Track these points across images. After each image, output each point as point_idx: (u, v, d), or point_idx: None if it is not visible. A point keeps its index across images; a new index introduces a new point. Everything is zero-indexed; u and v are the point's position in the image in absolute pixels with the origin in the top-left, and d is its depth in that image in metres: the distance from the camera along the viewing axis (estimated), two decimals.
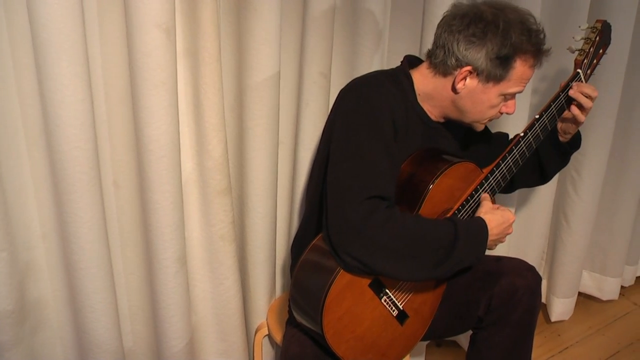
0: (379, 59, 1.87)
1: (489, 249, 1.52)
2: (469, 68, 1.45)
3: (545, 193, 2.27)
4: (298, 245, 1.68)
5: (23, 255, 1.52)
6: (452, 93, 1.50)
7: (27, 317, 1.56)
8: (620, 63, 2.13)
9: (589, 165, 2.27)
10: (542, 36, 1.47)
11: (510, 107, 1.54)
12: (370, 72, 1.59)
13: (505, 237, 1.56)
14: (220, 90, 1.58)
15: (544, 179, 1.81)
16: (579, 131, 1.73)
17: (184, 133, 1.62)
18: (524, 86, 1.51)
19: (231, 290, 1.79)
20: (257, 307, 1.91)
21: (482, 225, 1.48)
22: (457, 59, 1.46)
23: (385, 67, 1.88)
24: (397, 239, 1.37)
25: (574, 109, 1.63)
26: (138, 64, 1.41)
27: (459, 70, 1.46)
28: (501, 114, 1.55)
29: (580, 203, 2.33)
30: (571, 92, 1.63)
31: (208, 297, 1.81)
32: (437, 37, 1.50)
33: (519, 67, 1.45)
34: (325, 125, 1.58)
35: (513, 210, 2.26)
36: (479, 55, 1.43)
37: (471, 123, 1.57)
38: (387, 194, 1.39)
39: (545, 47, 1.48)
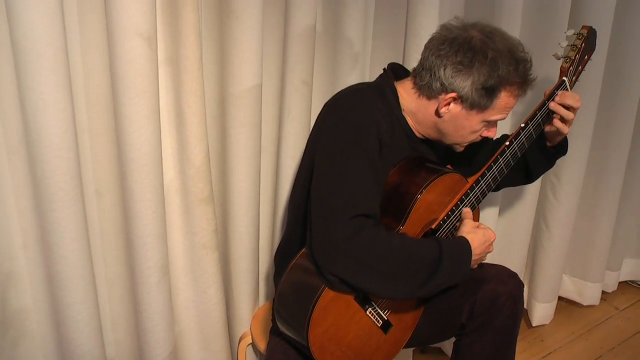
0: (362, 67, 1.88)
1: (471, 268, 1.53)
2: (454, 95, 1.45)
3: (527, 200, 2.29)
4: (282, 255, 1.68)
5: (4, 266, 1.51)
6: (435, 117, 1.51)
7: (8, 329, 1.55)
8: (598, 69, 2.15)
9: (568, 171, 2.29)
10: (529, 66, 1.47)
11: (492, 132, 1.55)
12: (356, 85, 1.59)
13: (486, 256, 1.57)
14: (202, 98, 1.58)
15: (529, 179, 1.82)
16: (566, 137, 1.74)
17: (166, 142, 1.61)
18: (507, 114, 1.52)
19: (214, 299, 1.78)
20: (241, 315, 1.90)
21: (465, 245, 1.49)
22: (442, 85, 1.45)
23: (368, 75, 1.90)
24: (382, 260, 1.37)
25: (557, 122, 1.63)
26: (120, 72, 1.41)
27: (443, 95, 1.46)
28: (482, 137, 1.56)
29: (560, 208, 2.35)
30: (551, 106, 1.62)
31: (191, 306, 1.80)
32: (425, 59, 1.49)
33: (504, 98, 1.46)
34: (309, 137, 1.58)
35: (497, 212, 2.27)
36: (465, 84, 1.43)
37: (451, 144, 1.58)
38: (372, 212, 1.39)
39: (532, 77, 1.48)
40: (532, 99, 2.13)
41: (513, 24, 1.95)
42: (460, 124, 1.50)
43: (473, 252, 1.49)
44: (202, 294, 1.77)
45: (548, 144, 1.73)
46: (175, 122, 1.60)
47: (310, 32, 1.74)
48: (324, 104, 1.54)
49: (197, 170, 1.63)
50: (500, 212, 2.31)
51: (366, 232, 1.35)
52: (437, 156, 1.68)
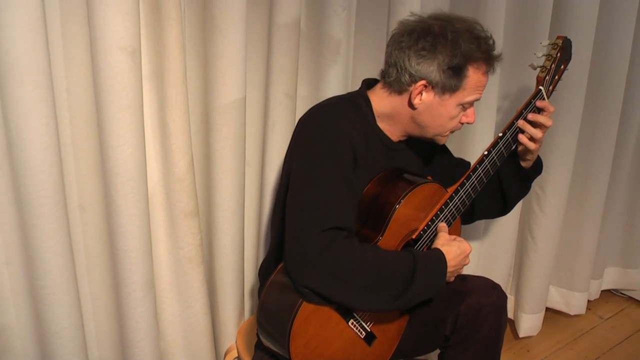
0: (344, 79, 1.89)
1: (447, 280, 1.53)
2: (423, 82, 1.46)
3: (511, 212, 2.30)
4: (266, 270, 1.67)
5: None
6: (410, 109, 1.51)
7: None
8: (581, 80, 2.17)
9: (553, 182, 2.30)
10: (491, 42, 1.48)
11: (470, 117, 1.54)
12: (329, 99, 1.60)
13: (462, 267, 1.57)
14: (186, 112, 1.58)
15: (505, 207, 1.80)
16: (539, 157, 1.74)
17: (150, 156, 1.61)
18: (481, 93, 1.52)
19: (200, 313, 1.78)
20: (226, 329, 1.90)
21: (440, 257, 1.49)
22: (410, 75, 1.46)
23: (350, 88, 1.90)
24: (355, 272, 1.37)
25: (522, 138, 1.63)
26: (103, 86, 1.41)
27: (413, 85, 1.47)
28: (462, 124, 1.56)
29: (545, 219, 2.36)
30: (520, 124, 1.63)
31: (176, 321, 1.79)
32: (388, 55, 1.51)
33: (473, 75, 1.46)
34: (286, 153, 1.58)
35: (481, 224, 2.28)
36: (431, 68, 1.44)
37: (433, 137, 1.57)
38: (345, 225, 1.39)
39: (496, 52, 1.49)
40: (510, 109, 2.15)
41: (495, 34, 1.96)
42: (437, 112, 1.50)
43: (448, 264, 1.49)
44: (187, 308, 1.77)
45: (522, 164, 1.72)
46: (160, 136, 1.60)
47: (293, 46, 1.75)
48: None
49: (181, 184, 1.63)
50: (485, 224, 2.32)
51: (338, 244, 1.35)
52: (417, 164, 1.69)
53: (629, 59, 2.29)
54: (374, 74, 1.63)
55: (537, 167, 1.76)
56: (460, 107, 1.51)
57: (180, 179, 1.62)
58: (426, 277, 1.43)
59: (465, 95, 1.48)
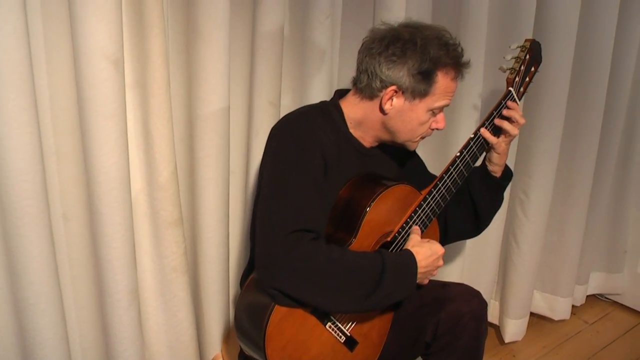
0: (329, 87, 1.90)
1: (421, 282, 1.54)
2: (393, 87, 1.49)
3: (495, 217, 2.30)
4: (246, 278, 1.68)
5: None
6: (381, 115, 1.54)
7: None
8: (563, 84, 2.19)
9: (536, 187, 2.32)
10: (459, 49, 1.51)
11: (440, 122, 1.57)
12: (301, 107, 1.61)
13: (435, 269, 1.57)
14: (170, 121, 1.58)
15: (478, 224, 1.81)
16: (507, 165, 1.76)
17: (134, 164, 1.61)
18: (450, 99, 1.54)
19: (185, 322, 1.77)
20: (212, 338, 1.89)
21: (410, 257, 1.50)
22: (381, 80, 1.49)
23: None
24: (322, 272, 1.38)
25: (505, 124, 1.65)
26: (86, 95, 1.41)
27: (384, 91, 1.50)
28: (432, 130, 1.58)
29: (529, 224, 2.38)
30: (497, 122, 1.66)
31: (161, 330, 1.78)
32: (359, 62, 1.54)
33: (442, 81, 1.49)
34: (260, 162, 1.59)
35: None
36: (401, 74, 1.47)
37: (404, 143, 1.59)
38: (312, 227, 1.40)
39: (464, 59, 1.52)
40: (484, 108, 2.17)
41: (477, 41, 1.99)
42: (407, 117, 1.53)
43: (419, 264, 1.49)
44: (172, 317, 1.76)
45: (491, 173, 1.73)
46: (143, 144, 1.60)
47: (277, 52, 1.75)
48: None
49: (165, 193, 1.62)
50: None
51: (304, 245, 1.36)
52: (391, 170, 1.70)
53: (610, 64, 2.31)
54: None
55: (507, 175, 1.77)
56: (430, 112, 1.53)
57: (164, 187, 1.61)
58: (395, 276, 1.44)
59: (434, 100, 1.51)
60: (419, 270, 1.49)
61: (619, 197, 2.72)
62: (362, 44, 1.54)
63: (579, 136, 2.40)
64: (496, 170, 1.73)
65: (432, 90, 1.49)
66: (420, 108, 1.51)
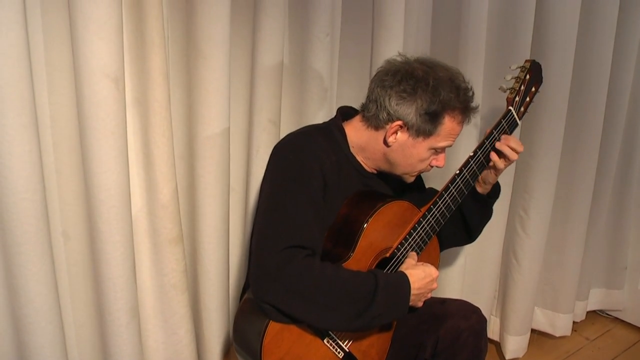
0: (328, 105, 1.90)
1: (414, 304, 1.53)
2: (399, 122, 1.50)
3: (495, 233, 2.31)
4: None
5: None
6: (383, 146, 1.54)
7: None
8: (561, 102, 2.20)
9: (535, 204, 2.31)
10: (470, 94, 1.53)
11: (440, 161, 1.59)
12: (304, 127, 1.63)
13: (429, 292, 1.56)
14: (170, 138, 1.58)
15: (470, 235, 1.83)
16: (497, 182, 1.77)
17: (134, 182, 1.61)
18: (453, 141, 1.56)
19: (184, 340, 1.76)
20: (212, 356, 1.88)
21: (403, 279, 1.49)
22: (388, 113, 1.50)
23: (334, 113, 1.91)
24: (314, 289, 1.38)
25: (494, 156, 1.67)
26: (87, 113, 1.41)
27: (390, 124, 1.51)
28: (431, 167, 1.59)
29: (529, 241, 2.37)
30: (498, 145, 1.66)
31: (161, 348, 1.78)
32: (370, 91, 1.54)
33: (448, 123, 1.50)
34: (262, 180, 1.60)
35: (464, 247, 2.28)
36: (409, 111, 1.48)
37: (401, 175, 1.61)
38: (308, 244, 1.41)
39: (474, 104, 1.54)
40: (483, 130, 2.17)
41: (475, 60, 2.00)
42: (409, 152, 1.54)
43: (412, 286, 1.49)
44: (172, 335, 1.75)
45: (480, 190, 1.76)
46: (143, 162, 1.60)
47: (277, 71, 1.76)
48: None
49: (165, 211, 1.62)
50: (469, 247, 2.32)
51: (297, 261, 1.37)
52: (392, 190, 1.70)
53: (609, 80, 2.32)
54: (358, 98, 1.64)
55: (495, 191, 1.80)
56: (432, 151, 1.55)
57: (164, 205, 1.61)
58: (387, 297, 1.44)
59: (438, 140, 1.53)
60: (412, 292, 1.49)
61: (618, 214, 2.71)
62: (376, 74, 1.56)
63: (578, 153, 2.39)
64: (488, 188, 1.76)
65: (437, 131, 1.51)
66: (423, 146, 1.53)
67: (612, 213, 2.70)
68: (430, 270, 1.54)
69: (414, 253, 1.59)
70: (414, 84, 1.47)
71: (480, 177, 1.73)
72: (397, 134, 1.52)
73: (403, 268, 1.53)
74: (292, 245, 1.38)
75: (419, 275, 1.51)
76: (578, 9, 2.11)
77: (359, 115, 1.59)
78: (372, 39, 1.88)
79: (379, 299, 1.42)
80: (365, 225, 1.49)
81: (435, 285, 1.56)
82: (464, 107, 1.51)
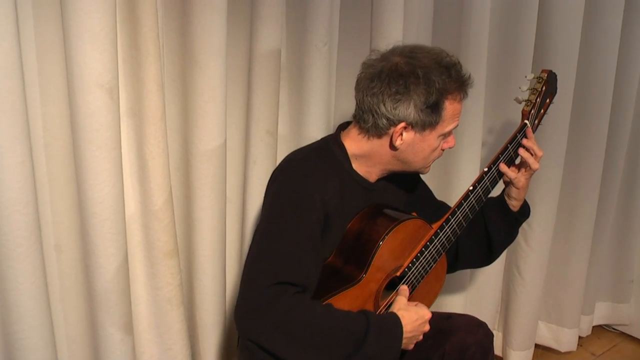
0: (326, 116, 1.88)
1: (405, 347, 1.49)
2: (402, 124, 1.46)
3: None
4: None
5: None
6: (391, 150, 1.51)
7: None
8: (564, 112, 2.18)
9: (539, 216, 2.29)
10: (459, 67, 1.48)
11: (450, 142, 1.56)
12: (304, 149, 1.59)
13: (421, 334, 1.52)
14: (166, 150, 1.56)
15: (490, 255, 1.77)
16: (526, 201, 1.73)
17: (129, 194, 1.59)
18: (458, 120, 1.53)
19: (180, 356, 1.74)
20: None
21: (395, 321, 1.45)
22: (388, 119, 1.46)
23: (333, 124, 1.90)
24: (302, 328, 1.35)
25: (503, 167, 1.63)
26: (80, 124, 1.40)
27: (393, 128, 1.47)
28: (443, 150, 1.56)
29: (532, 254, 2.35)
30: (520, 151, 1.64)
31: None
32: (360, 101, 1.49)
33: (449, 107, 1.47)
34: (262, 205, 1.58)
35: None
36: (409, 110, 1.44)
37: (417, 170, 1.58)
38: (299, 281, 1.38)
39: (466, 75, 1.49)
40: (494, 144, 2.15)
41: (477, 67, 1.98)
42: (419, 147, 1.51)
43: (404, 329, 1.45)
44: (167, 350, 1.73)
45: (511, 208, 1.71)
46: (138, 174, 1.58)
47: (274, 82, 1.74)
48: (285, 157, 1.56)
49: (161, 223, 1.60)
50: None
51: (285, 299, 1.34)
52: (399, 202, 1.68)
53: (613, 89, 2.30)
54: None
55: (525, 210, 1.74)
56: (442, 137, 1.52)
57: (159, 217, 1.59)
58: (379, 339, 1.40)
59: (444, 126, 1.49)
60: (404, 335, 1.45)
61: (624, 225, 2.68)
62: (358, 81, 1.51)
63: (582, 165, 2.38)
64: (515, 204, 1.70)
65: (441, 118, 1.47)
66: (432, 136, 1.50)
67: (618, 225, 2.67)
68: (423, 311, 1.51)
69: (405, 288, 1.55)
70: (404, 82, 1.43)
71: (505, 192, 1.69)
72: (402, 135, 1.48)
73: (395, 309, 1.49)
74: (283, 282, 1.35)
75: (412, 317, 1.48)
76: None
77: (355, 127, 1.54)
78: (371, 47, 1.85)
79: (370, 340, 1.38)
80: (380, 244, 1.47)
81: (427, 327, 1.52)
82: (459, 84, 1.47)
